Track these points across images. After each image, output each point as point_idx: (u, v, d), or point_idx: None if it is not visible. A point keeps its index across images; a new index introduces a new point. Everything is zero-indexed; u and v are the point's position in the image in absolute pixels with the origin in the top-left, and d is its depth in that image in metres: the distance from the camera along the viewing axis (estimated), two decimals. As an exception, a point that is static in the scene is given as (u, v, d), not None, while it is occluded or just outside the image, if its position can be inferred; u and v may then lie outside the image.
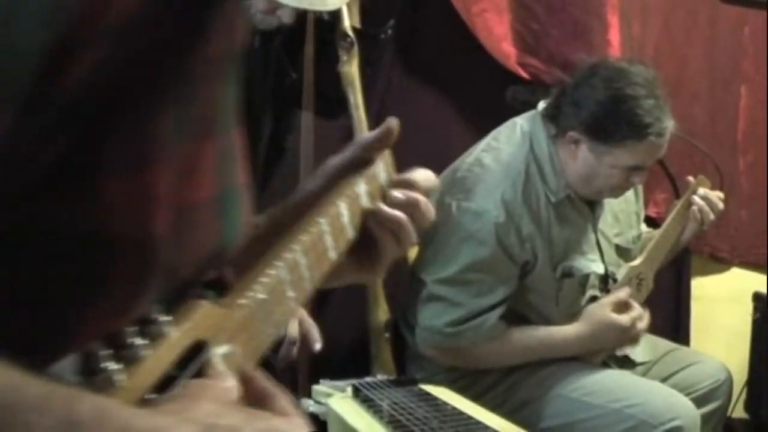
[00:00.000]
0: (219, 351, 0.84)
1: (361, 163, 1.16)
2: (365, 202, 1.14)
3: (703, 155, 3.20)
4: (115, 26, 0.72)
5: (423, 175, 1.19)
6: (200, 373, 0.81)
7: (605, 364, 2.85)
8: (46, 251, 0.75)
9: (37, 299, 0.76)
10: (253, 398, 0.85)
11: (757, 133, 3.67)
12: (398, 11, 3.12)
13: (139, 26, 0.74)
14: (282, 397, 0.86)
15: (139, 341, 0.76)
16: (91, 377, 0.73)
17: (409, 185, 1.17)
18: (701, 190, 2.86)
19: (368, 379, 2.37)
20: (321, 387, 2.43)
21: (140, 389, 0.75)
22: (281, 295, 0.95)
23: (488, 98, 3.31)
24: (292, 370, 3.05)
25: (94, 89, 0.73)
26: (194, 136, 0.84)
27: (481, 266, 2.64)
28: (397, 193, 1.15)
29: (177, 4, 0.79)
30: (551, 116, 2.72)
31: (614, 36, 3.36)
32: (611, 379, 2.76)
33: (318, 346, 2.24)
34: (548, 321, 2.76)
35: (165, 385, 0.78)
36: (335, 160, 1.17)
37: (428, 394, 2.23)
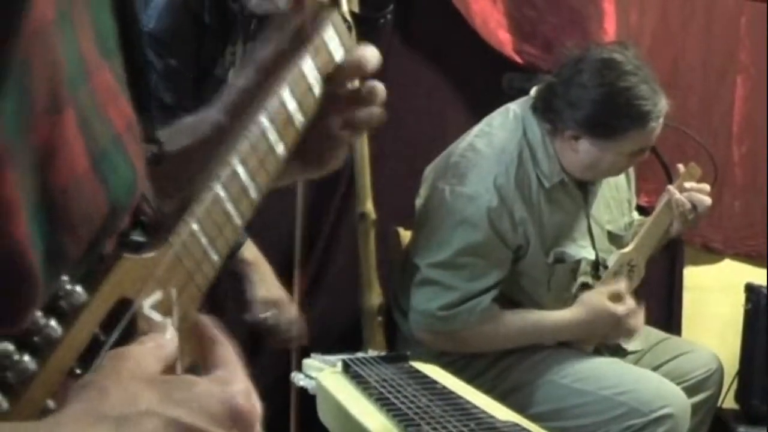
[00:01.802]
0: (148, 302, 0.78)
1: (295, 44, 1.03)
2: (314, 79, 1.03)
3: (697, 145, 3.20)
4: None
5: (370, 53, 1.07)
6: (132, 331, 0.75)
7: (597, 352, 2.86)
8: None
9: None
10: (197, 345, 0.79)
11: (753, 124, 3.68)
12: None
13: None
14: (223, 348, 0.79)
15: (51, 323, 0.70)
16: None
17: (358, 67, 1.06)
18: (687, 185, 2.85)
19: (359, 354, 2.37)
20: (312, 361, 2.43)
21: (62, 369, 0.70)
22: (220, 215, 0.88)
23: (484, 84, 3.33)
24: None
25: None
26: (44, 116, 0.75)
27: (474, 250, 2.65)
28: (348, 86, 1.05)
29: None
30: (543, 114, 2.71)
31: (610, 24, 3.37)
32: (603, 366, 2.76)
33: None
34: (539, 306, 2.77)
35: (92, 352, 0.72)
36: (268, 48, 1.05)
37: (418, 371, 2.22)
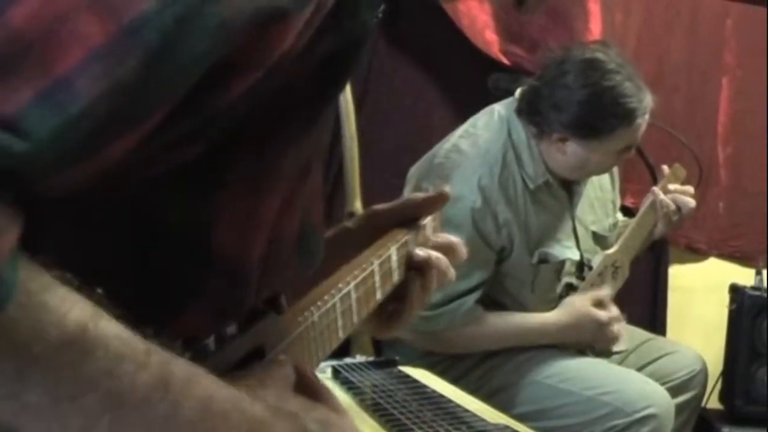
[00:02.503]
0: (277, 358, 0.88)
1: (409, 217, 1.25)
2: (412, 252, 1.21)
3: (682, 146, 3.21)
4: (270, 59, 0.75)
5: (456, 242, 1.29)
6: None
7: (581, 352, 2.86)
8: (155, 245, 0.80)
9: (139, 287, 0.80)
10: (307, 392, 0.89)
11: (738, 126, 3.69)
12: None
13: (288, 68, 0.78)
14: (334, 397, 0.91)
15: (209, 340, 0.82)
16: None
17: (442, 246, 1.27)
18: (671, 186, 2.86)
19: (348, 360, 2.36)
20: (300, 368, 2.42)
21: None
22: (332, 321, 0.99)
23: (471, 84, 3.32)
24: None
25: (238, 111, 0.77)
26: (298, 173, 0.89)
27: (458, 251, 2.64)
28: (421, 252, 1.24)
29: (321, 63, 0.83)
30: (529, 117, 2.71)
31: (595, 25, 3.38)
32: (587, 366, 2.77)
33: None
34: (524, 307, 2.77)
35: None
36: (385, 207, 1.26)
37: (407, 376, 2.21)
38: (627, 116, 2.60)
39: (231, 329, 0.84)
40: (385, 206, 1.27)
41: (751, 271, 3.42)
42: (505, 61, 3.35)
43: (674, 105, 3.56)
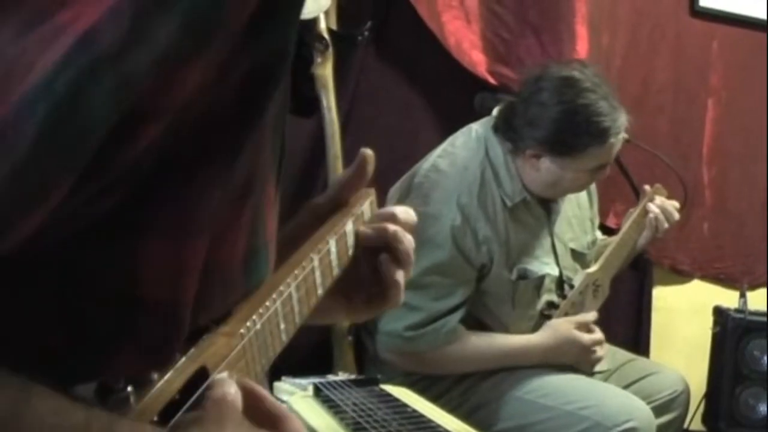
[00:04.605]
0: (219, 377, 0.85)
1: (343, 202, 1.18)
2: (352, 241, 1.16)
3: (667, 167, 3.22)
4: (177, 103, 0.74)
5: (400, 210, 1.20)
6: (202, 397, 0.83)
7: (562, 368, 2.86)
8: (84, 298, 0.78)
9: (72, 338, 0.78)
10: (263, 417, 0.86)
11: (723, 147, 3.70)
12: (371, 13, 3.14)
13: (200, 105, 0.76)
14: (294, 420, 0.88)
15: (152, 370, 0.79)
16: (107, 397, 0.76)
17: (384, 219, 1.18)
18: (658, 199, 2.88)
19: (330, 378, 2.37)
20: (282, 384, 2.43)
21: (149, 412, 0.78)
22: (275, 327, 0.96)
23: (458, 104, 3.33)
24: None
25: (150, 159, 0.75)
26: (233, 202, 0.85)
27: (439, 270, 2.65)
28: (366, 228, 1.17)
29: (237, 87, 0.81)
30: (504, 133, 2.73)
31: (582, 46, 3.39)
32: (566, 381, 2.77)
33: None
34: (504, 324, 2.77)
35: (169, 409, 0.80)
36: (320, 199, 1.19)
37: (389, 395, 2.22)
38: (600, 135, 2.62)
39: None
40: (321, 197, 1.19)
41: (735, 293, 3.42)
42: (491, 81, 3.36)
43: (659, 126, 3.57)
